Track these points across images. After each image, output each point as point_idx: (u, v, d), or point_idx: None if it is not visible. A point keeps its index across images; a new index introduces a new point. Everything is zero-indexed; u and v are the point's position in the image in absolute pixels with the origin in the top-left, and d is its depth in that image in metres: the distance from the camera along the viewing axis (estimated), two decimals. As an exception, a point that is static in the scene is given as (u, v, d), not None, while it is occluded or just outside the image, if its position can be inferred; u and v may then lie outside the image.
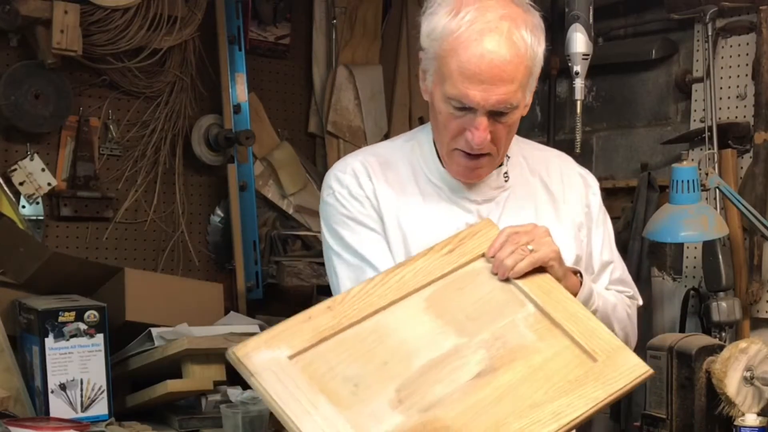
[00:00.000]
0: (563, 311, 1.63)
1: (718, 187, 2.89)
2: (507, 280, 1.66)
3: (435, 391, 1.51)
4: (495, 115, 1.70)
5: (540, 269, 1.67)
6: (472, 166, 1.77)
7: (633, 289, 1.99)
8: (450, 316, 1.62)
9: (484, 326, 1.61)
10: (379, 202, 1.82)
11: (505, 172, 1.86)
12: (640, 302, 2.01)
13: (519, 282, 1.66)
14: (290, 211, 3.62)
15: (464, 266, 1.69)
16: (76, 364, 2.55)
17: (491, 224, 1.75)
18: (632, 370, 1.58)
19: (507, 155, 1.87)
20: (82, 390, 2.56)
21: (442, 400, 1.51)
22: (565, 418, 1.49)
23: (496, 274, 1.67)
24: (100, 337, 2.59)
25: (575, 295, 1.71)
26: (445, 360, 1.56)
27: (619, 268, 1.96)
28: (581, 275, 1.77)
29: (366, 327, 1.59)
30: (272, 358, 1.51)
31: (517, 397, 1.52)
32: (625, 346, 1.62)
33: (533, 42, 1.70)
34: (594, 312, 1.73)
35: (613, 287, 1.94)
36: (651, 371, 1.59)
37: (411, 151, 1.88)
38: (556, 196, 1.89)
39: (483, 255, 1.70)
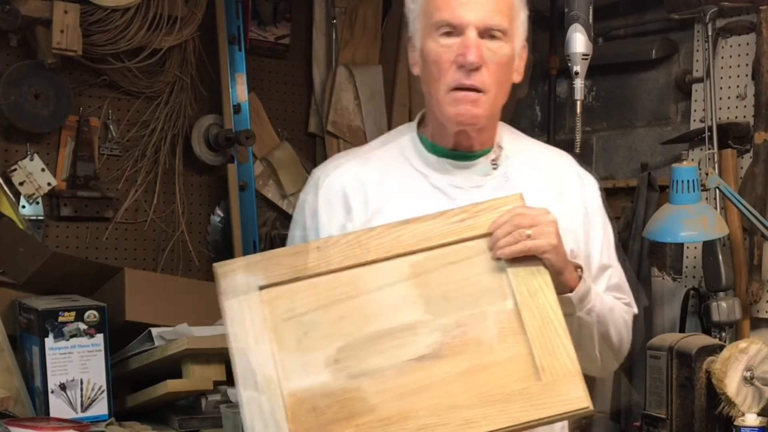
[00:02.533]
0: (537, 318, 1.54)
1: (718, 187, 2.89)
2: (501, 265, 1.60)
3: (372, 361, 1.51)
4: (484, 36, 1.74)
5: (541, 265, 1.62)
6: (470, 98, 1.75)
7: (629, 297, 1.93)
8: (427, 289, 1.58)
9: (454, 309, 1.56)
10: (348, 206, 1.82)
11: (493, 159, 1.83)
12: (636, 311, 1.94)
13: (511, 275, 1.58)
14: (290, 211, 3.62)
15: (467, 240, 1.62)
16: (76, 364, 2.55)
17: (519, 200, 1.65)
18: (569, 402, 1.47)
19: (500, 146, 1.85)
20: (82, 390, 2.56)
21: (373, 372, 1.50)
22: (473, 429, 1.45)
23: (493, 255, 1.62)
24: (100, 337, 2.59)
25: (572, 290, 1.67)
26: (397, 333, 1.54)
27: (616, 274, 1.90)
28: (581, 271, 1.71)
29: (342, 277, 1.59)
30: (245, 284, 1.58)
31: (441, 392, 1.49)
32: (579, 375, 1.50)
33: None
34: (590, 311, 1.69)
35: (610, 293, 1.87)
36: (589, 408, 1.48)
37: (394, 145, 1.87)
38: (552, 194, 1.83)
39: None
